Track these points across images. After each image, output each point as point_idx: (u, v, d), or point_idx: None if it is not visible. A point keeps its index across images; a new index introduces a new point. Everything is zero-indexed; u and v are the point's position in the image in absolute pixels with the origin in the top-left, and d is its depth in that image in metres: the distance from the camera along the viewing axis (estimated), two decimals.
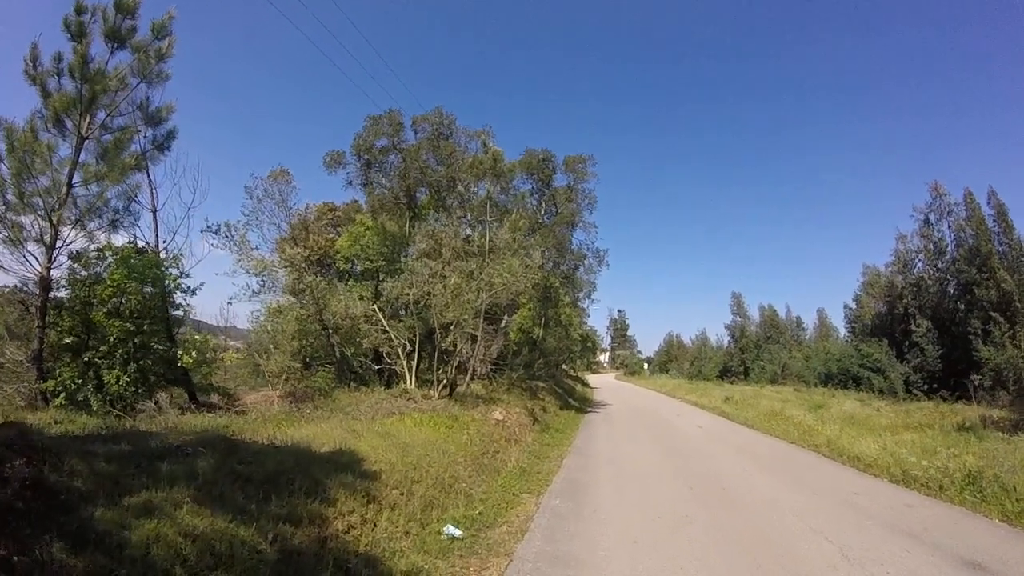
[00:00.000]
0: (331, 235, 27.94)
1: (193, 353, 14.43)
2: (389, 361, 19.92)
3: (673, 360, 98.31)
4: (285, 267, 19.55)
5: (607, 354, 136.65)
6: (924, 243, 43.36)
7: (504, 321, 25.97)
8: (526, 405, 20.93)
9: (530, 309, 34.70)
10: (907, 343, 41.22)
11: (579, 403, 34.61)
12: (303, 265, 20.15)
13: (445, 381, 18.14)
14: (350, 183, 26.85)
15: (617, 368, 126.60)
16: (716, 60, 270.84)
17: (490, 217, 21.47)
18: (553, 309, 30.73)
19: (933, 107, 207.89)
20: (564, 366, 64.15)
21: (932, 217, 43.02)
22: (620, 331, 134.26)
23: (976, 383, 33.17)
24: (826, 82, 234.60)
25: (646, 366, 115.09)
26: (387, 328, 19.31)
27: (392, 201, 26.04)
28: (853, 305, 55.38)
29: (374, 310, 20.03)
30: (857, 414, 26.79)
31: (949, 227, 42.12)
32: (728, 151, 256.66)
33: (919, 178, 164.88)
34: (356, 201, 28.35)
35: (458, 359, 20.92)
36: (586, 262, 29.92)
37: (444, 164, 24.45)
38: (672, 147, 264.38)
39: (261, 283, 20.72)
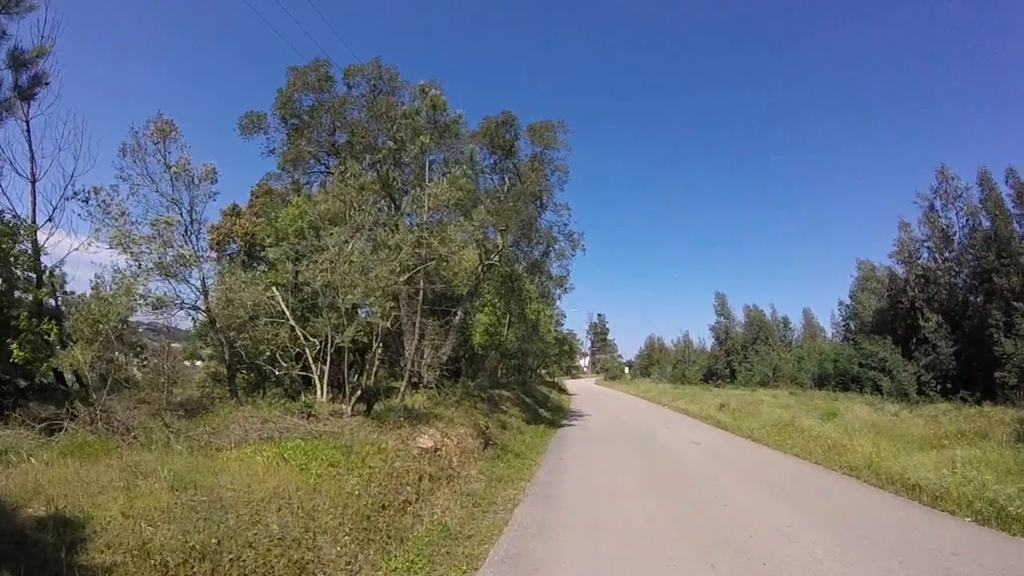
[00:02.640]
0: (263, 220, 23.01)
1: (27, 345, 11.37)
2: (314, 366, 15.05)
3: (655, 363, 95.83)
4: (155, 240, 14.53)
5: (587, 358, 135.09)
6: (931, 231, 39.81)
7: (457, 316, 21.16)
8: (477, 422, 16.17)
9: (494, 305, 30.14)
10: (914, 340, 37.91)
11: (552, 414, 29.53)
12: (182, 240, 15.27)
13: (359, 393, 13.32)
14: (271, 151, 22.21)
15: (598, 372, 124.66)
16: (696, 54, 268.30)
17: (428, 181, 16.64)
18: (516, 302, 25.72)
19: (918, 102, 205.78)
20: (542, 371, 60.82)
21: (938, 203, 39.59)
22: (600, 335, 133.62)
23: (999, 380, 30.38)
24: (814, 77, 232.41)
25: (627, 370, 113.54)
26: (293, 324, 14.53)
27: (323, 173, 21.45)
28: (849, 301, 52.45)
29: (274, 298, 15.11)
30: (877, 422, 22.77)
31: (958, 213, 38.68)
32: (710, 149, 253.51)
33: (906, 174, 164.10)
34: (296, 181, 23.41)
35: (402, 363, 16.62)
36: (557, 246, 24.65)
37: (378, 120, 19.80)
38: (653, 143, 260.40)
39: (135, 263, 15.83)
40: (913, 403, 32.12)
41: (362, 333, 13.51)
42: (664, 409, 35.71)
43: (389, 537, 7.76)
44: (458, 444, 12.92)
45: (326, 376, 14.09)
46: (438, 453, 11.55)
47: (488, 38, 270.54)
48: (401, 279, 13.24)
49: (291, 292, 16.05)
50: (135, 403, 13.84)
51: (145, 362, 22.17)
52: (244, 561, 5.78)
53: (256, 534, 6.21)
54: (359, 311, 14.97)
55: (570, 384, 77.26)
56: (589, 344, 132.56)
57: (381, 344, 13.70)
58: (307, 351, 14.36)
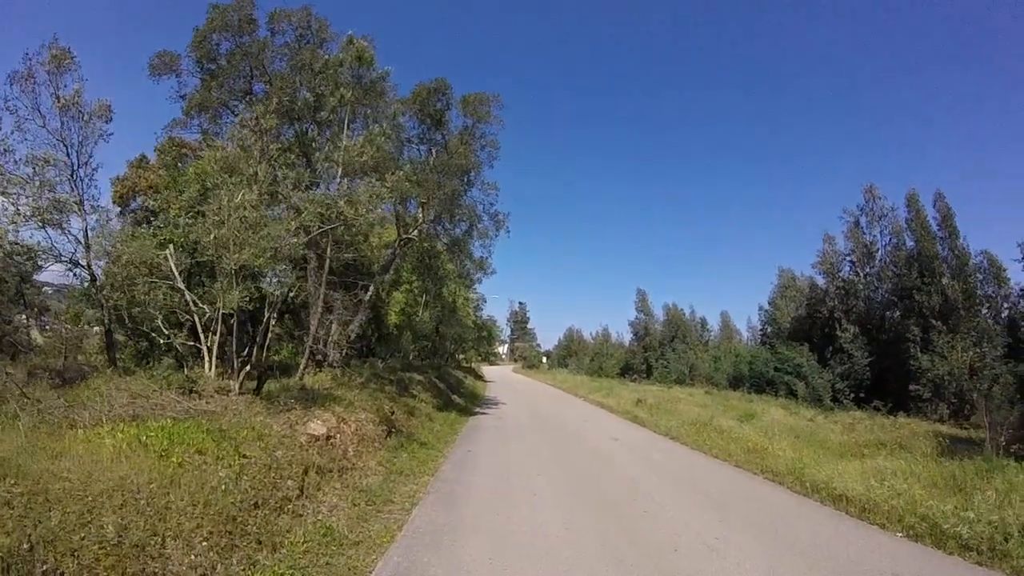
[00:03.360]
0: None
1: None
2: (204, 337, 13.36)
3: (573, 355, 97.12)
4: (31, 181, 12.60)
5: (506, 346, 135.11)
6: (854, 246, 41.57)
7: (369, 291, 19.69)
8: (382, 407, 14.75)
9: (411, 284, 28.77)
10: (831, 349, 39.29)
11: (466, 401, 28.18)
12: (69, 184, 13.41)
13: (248, 369, 11.80)
14: (182, 96, 20.09)
15: (516, 360, 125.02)
16: (622, 48, 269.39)
17: (347, 140, 15.08)
18: (433, 280, 24.31)
19: (846, 111, 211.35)
20: (460, 356, 59.90)
21: (864, 220, 41.41)
22: (520, 323, 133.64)
23: (913, 393, 31.09)
24: (738, 79, 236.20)
25: (545, 360, 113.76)
26: (182, 286, 12.85)
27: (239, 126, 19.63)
28: (768, 307, 53.55)
29: (165, 257, 13.32)
30: (795, 426, 22.98)
31: (882, 231, 40.54)
32: (633, 144, 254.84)
33: (827, 186, 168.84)
34: (207, 132, 21.14)
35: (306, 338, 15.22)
36: (480, 225, 23.12)
37: (300, 72, 18.11)
38: (577, 136, 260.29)
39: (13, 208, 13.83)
40: (827, 409, 32.82)
41: (251, 301, 11.97)
42: (581, 401, 34.90)
43: (259, 543, 6.45)
44: (356, 431, 11.55)
45: (215, 348, 12.57)
46: (331, 441, 10.20)
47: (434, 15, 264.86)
48: (298, 241, 11.63)
49: (190, 253, 14.39)
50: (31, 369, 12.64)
51: (47, 326, 20.11)
52: (62, 573, 4.49)
53: (84, 538, 4.90)
54: (263, 278, 13.54)
55: (487, 371, 76.24)
56: (509, 332, 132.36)
57: (277, 315, 12.19)
58: (196, 319, 12.78)
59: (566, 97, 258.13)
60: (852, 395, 35.82)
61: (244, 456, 7.86)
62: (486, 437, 17.39)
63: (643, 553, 7.17)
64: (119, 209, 22.46)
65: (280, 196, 11.89)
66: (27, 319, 18.19)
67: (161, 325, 13.11)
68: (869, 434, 21.74)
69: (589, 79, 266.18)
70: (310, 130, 17.51)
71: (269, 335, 12.22)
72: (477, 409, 25.61)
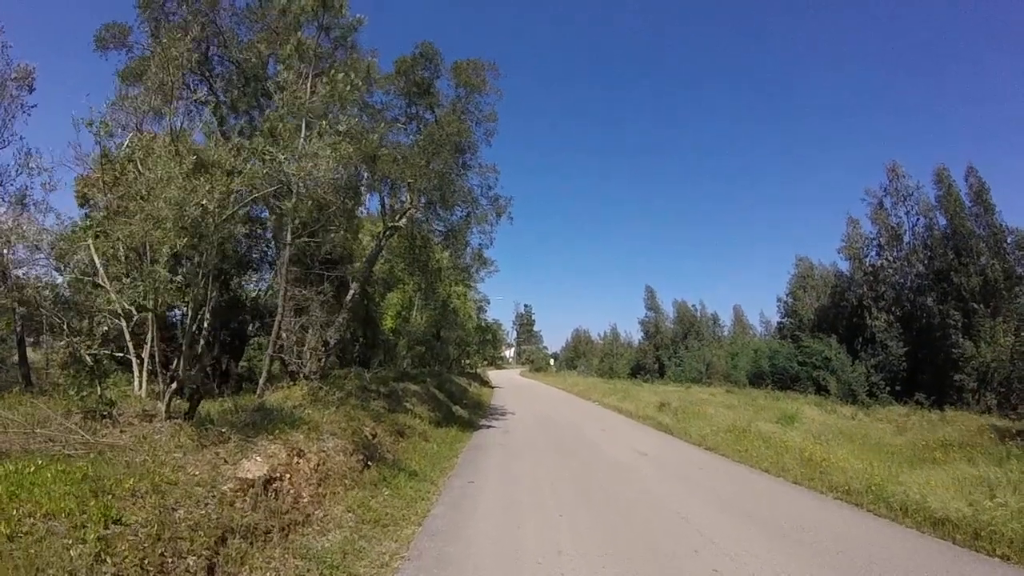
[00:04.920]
0: None
1: None
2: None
3: (581, 356, 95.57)
4: None
5: (512, 349, 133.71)
6: (879, 229, 38.83)
7: (351, 291, 16.79)
8: (360, 429, 11.78)
9: (405, 285, 26.01)
10: (860, 339, 36.32)
11: (470, 412, 25.14)
12: None
13: (175, 386, 8.77)
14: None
15: (523, 364, 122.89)
16: (624, 41, 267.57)
17: (310, 95, 12.18)
18: (423, 272, 21.02)
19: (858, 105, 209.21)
20: (465, 361, 57.51)
21: (888, 201, 38.67)
22: (526, 326, 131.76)
23: (958, 384, 29.25)
24: (753, 73, 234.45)
25: (552, 362, 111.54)
26: (103, 282, 10.01)
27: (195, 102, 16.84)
28: (787, 298, 50.79)
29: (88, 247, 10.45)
30: (838, 427, 20.39)
31: (908, 212, 37.75)
32: (639, 141, 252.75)
33: (842, 172, 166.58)
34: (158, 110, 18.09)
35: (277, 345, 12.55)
36: (478, 209, 19.76)
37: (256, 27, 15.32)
38: (575, 134, 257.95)
39: None
40: (864, 405, 30.40)
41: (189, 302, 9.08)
42: (596, 407, 31.77)
43: None
44: (319, 466, 8.67)
45: (146, 360, 9.80)
46: (274, 486, 7.30)
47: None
48: (224, 210, 8.62)
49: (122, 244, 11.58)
50: None
51: None
52: None
53: None
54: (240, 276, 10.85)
55: (494, 375, 73.39)
56: (515, 335, 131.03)
57: (208, 317, 9.29)
58: (124, 323, 10.02)
59: (563, 93, 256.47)
60: (887, 388, 33.29)
61: (118, 522, 5.10)
62: (492, 460, 14.27)
63: None
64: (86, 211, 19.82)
65: (211, 161, 8.85)
66: None
67: (67, 330, 10.26)
68: (926, 433, 19.26)
69: (595, 70, 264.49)
70: (264, 86, 14.73)
71: (202, 343, 9.32)
72: (482, 421, 22.63)
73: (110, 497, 5.40)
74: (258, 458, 7.63)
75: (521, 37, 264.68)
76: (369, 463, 10.27)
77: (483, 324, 61.21)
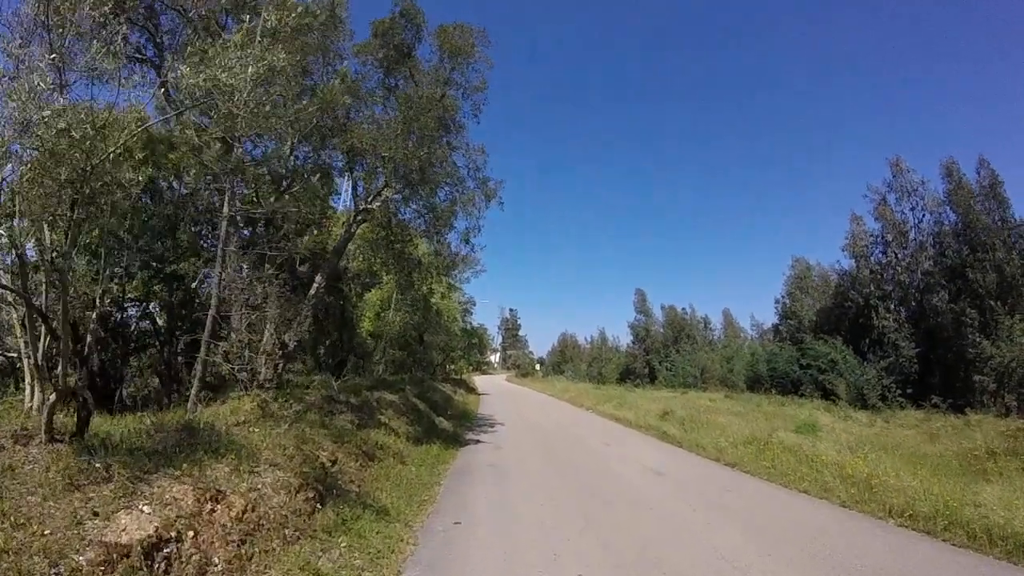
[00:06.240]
0: None
1: None
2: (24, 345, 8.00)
3: (568, 361, 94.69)
4: None
5: (498, 354, 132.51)
6: (884, 225, 37.33)
7: (316, 284, 14.34)
8: (315, 455, 9.35)
9: (382, 281, 23.85)
10: (867, 340, 34.41)
11: (455, 424, 22.47)
12: None
13: (54, 398, 6.36)
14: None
15: (508, 369, 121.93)
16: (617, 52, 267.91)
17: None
18: (397, 260, 18.26)
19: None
20: (449, 367, 55.97)
21: (891, 197, 37.10)
22: (512, 330, 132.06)
23: (978, 385, 28.04)
24: (737, 80, 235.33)
25: (539, 367, 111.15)
26: None
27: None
28: (784, 300, 49.20)
29: None
30: (861, 435, 18.63)
31: (913, 208, 36.13)
32: (625, 145, 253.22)
33: (833, 175, 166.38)
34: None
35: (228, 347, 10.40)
36: (463, 194, 17.01)
37: None
38: (569, 138, 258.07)
39: None
40: (878, 410, 28.66)
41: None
42: (592, 415, 29.41)
43: None
44: (245, 513, 6.25)
45: (38, 361, 7.43)
46: (164, 553, 4.91)
47: None
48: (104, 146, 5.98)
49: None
50: None
51: None
52: None
53: None
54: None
55: (479, 381, 71.41)
56: (500, 339, 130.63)
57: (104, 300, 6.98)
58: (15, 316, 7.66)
59: (562, 90, 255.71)
60: (899, 391, 31.44)
61: None
62: (482, 487, 11.61)
63: None
64: None
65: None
66: None
67: None
68: (962, 440, 17.15)
69: (585, 74, 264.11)
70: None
71: (89, 337, 6.98)
72: (469, 435, 20.08)
73: None
74: (146, 508, 5.25)
75: (507, 33, 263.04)
76: (323, 501, 7.83)
77: (469, 327, 59.35)
